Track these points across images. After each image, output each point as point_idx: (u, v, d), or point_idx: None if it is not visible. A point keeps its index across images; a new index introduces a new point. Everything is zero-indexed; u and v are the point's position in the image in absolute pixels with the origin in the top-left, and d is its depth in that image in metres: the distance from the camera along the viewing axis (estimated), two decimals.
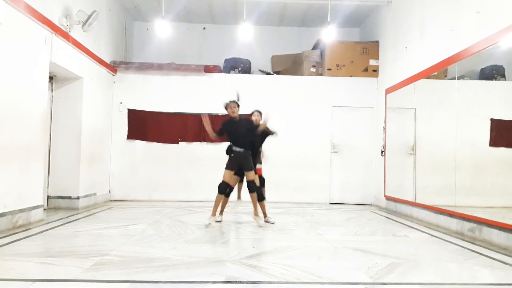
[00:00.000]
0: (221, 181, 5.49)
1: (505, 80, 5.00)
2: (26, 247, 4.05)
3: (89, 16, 6.38)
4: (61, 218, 5.83)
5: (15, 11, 4.89)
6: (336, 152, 8.76)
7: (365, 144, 8.77)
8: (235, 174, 5.54)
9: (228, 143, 5.71)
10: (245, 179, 5.67)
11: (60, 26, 6.03)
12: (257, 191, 5.53)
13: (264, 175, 7.04)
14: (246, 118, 5.71)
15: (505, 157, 4.87)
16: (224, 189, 5.49)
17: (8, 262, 3.41)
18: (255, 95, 8.76)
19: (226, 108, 5.55)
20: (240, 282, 2.99)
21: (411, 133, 6.89)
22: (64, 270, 3.23)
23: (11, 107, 4.89)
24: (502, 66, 4.99)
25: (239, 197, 7.14)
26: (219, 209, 5.67)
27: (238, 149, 5.44)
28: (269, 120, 5.55)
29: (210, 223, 5.41)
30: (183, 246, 4.22)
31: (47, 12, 5.63)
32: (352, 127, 8.79)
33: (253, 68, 9.25)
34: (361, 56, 8.73)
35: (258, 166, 6.60)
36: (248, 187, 5.49)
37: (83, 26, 6.41)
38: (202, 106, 8.64)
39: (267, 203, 6.06)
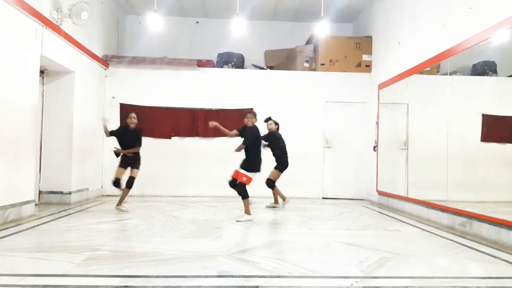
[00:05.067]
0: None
1: (496, 75, 5.04)
2: (17, 242, 4.03)
3: (73, 6, 6.25)
4: (53, 213, 5.80)
5: (4, 3, 4.83)
6: (329, 147, 8.79)
7: (358, 139, 8.80)
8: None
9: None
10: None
11: (51, 19, 5.96)
12: (130, 186, 6.27)
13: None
14: (140, 129, 6.40)
15: (496, 153, 4.92)
16: (118, 184, 6.32)
17: None
18: (248, 90, 8.76)
19: (126, 118, 6.35)
20: (232, 276, 2.99)
21: (404, 128, 6.92)
22: (55, 265, 3.22)
23: (1, 101, 4.83)
24: (494, 61, 5.02)
25: (283, 198, 7.03)
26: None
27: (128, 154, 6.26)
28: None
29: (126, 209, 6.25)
30: (175, 241, 4.21)
31: (37, 5, 5.55)
32: (345, 122, 8.81)
33: (246, 62, 9.22)
34: (354, 51, 8.74)
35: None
36: (127, 181, 6.22)
37: (70, 17, 6.29)
38: (195, 101, 8.62)
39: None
